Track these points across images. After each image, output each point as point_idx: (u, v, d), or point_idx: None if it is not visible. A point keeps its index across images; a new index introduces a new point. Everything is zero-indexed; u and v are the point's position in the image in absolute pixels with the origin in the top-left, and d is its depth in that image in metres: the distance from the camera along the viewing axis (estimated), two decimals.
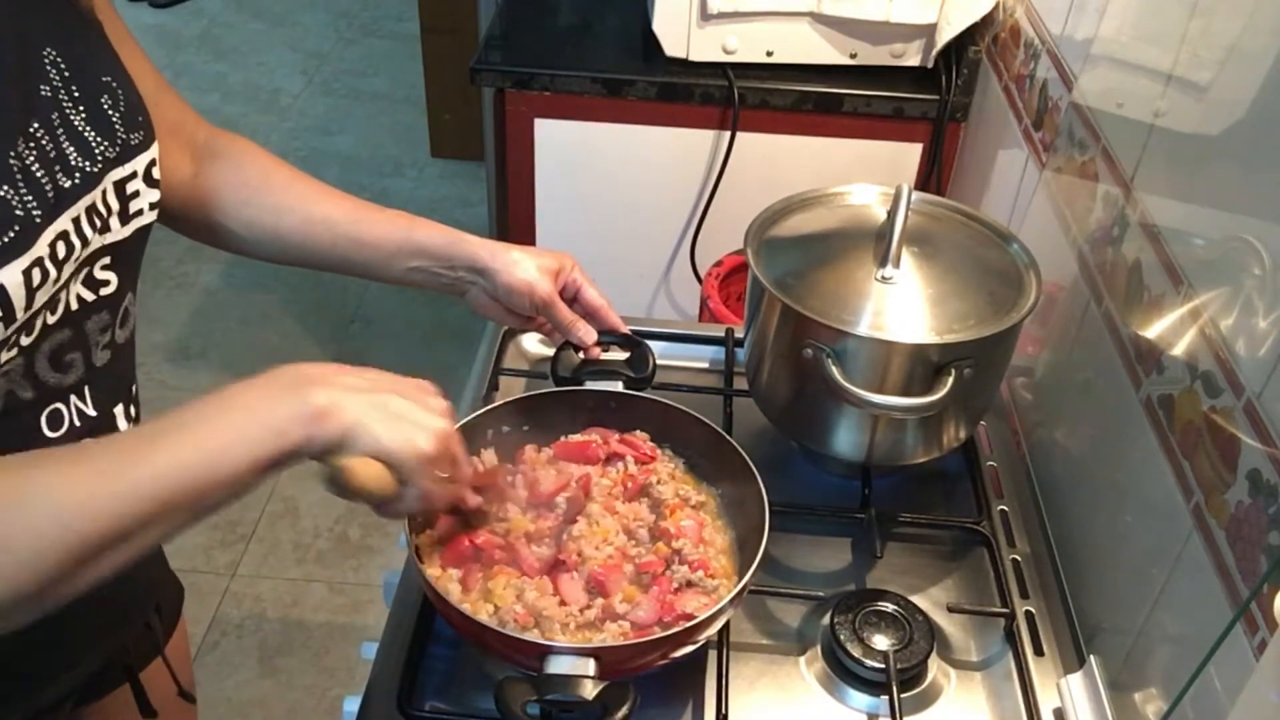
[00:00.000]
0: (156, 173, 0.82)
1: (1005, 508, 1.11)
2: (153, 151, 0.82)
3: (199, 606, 2.20)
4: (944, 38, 1.63)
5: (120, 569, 0.68)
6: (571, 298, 1.07)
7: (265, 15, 4.53)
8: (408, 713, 0.87)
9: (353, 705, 0.91)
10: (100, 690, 0.99)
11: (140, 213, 0.81)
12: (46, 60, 0.75)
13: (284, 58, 4.22)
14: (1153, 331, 0.95)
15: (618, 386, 1.07)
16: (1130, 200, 1.03)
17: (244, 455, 0.70)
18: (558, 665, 0.80)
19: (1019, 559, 1.05)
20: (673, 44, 1.70)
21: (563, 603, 0.88)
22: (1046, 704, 0.92)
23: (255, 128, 3.72)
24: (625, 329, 1.10)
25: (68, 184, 0.73)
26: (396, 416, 0.76)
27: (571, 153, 1.79)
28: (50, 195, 0.72)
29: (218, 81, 4.03)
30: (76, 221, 0.74)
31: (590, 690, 0.78)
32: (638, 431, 1.04)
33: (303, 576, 2.31)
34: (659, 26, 1.69)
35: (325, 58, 4.23)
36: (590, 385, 1.07)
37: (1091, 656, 0.93)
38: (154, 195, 0.82)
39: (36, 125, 0.72)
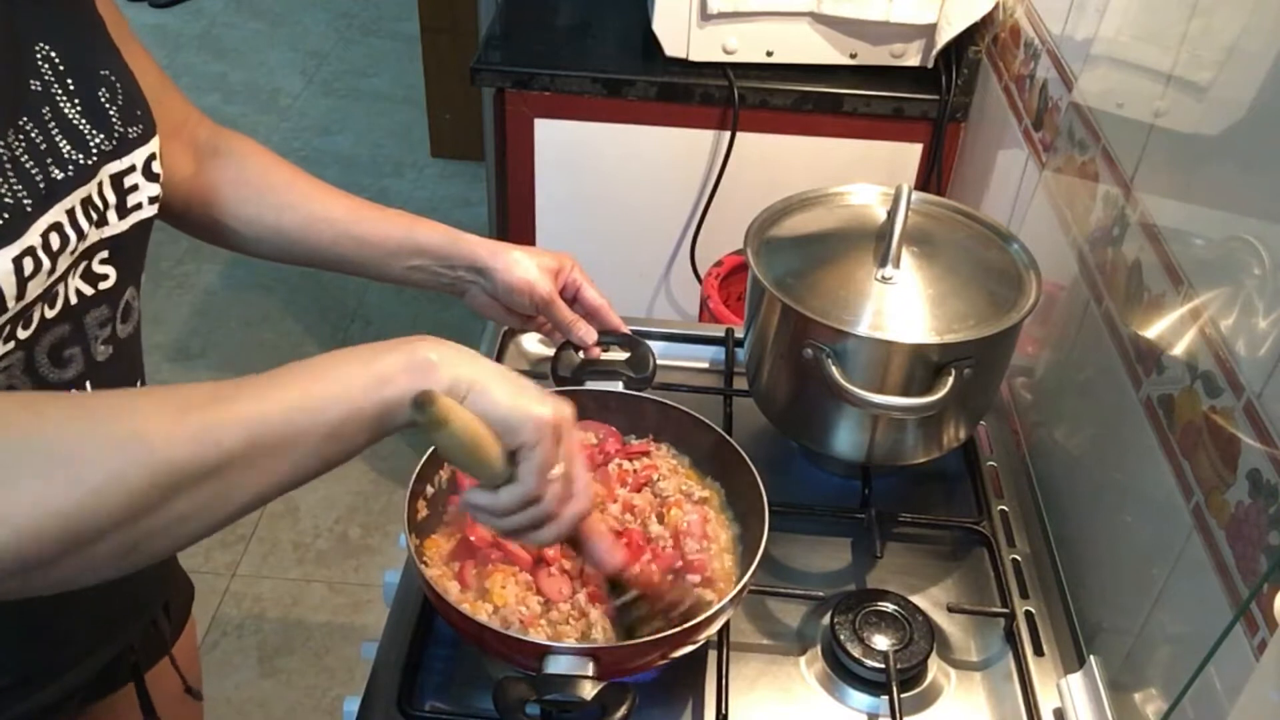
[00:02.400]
0: (156, 167, 0.82)
1: (1005, 508, 1.11)
2: (152, 145, 0.81)
3: (199, 606, 2.16)
4: (944, 38, 1.63)
5: (204, 520, 0.63)
6: (571, 297, 1.08)
7: (265, 15, 4.53)
8: (408, 713, 0.87)
9: (353, 705, 0.91)
10: (105, 689, 1.00)
11: (139, 206, 0.81)
12: (39, 55, 0.75)
13: (284, 58, 4.22)
14: (1153, 331, 0.95)
15: (618, 386, 1.07)
16: (1130, 200, 1.03)
17: (348, 401, 0.65)
18: (556, 665, 0.80)
19: (1019, 559, 1.05)
20: (673, 44, 1.69)
21: (548, 600, 0.89)
22: (1046, 704, 0.92)
23: (255, 128, 3.72)
24: (625, 329, 1.10)
25: (60, 176, 0.73)
26: (515, 382, 0.72)
27: (571, 153, 1.79)
28: (42, 186, 0.72)
29: (218, 81, 4.03)
30: (71, 213, 0.74)
31: (589, 690, 0.78)
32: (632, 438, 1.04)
33: (303, 576, 2.31)
34: (659, 26, 1.69)
35: (325, 58, 4.23)
36: (590, 385, 1.07)
37: (1091, 656, 0.93)
38: (154, 189, 0.82)
39: (25, 119, 0.72)
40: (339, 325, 2.93)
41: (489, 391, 0.69)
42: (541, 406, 0.71)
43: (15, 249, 0.69)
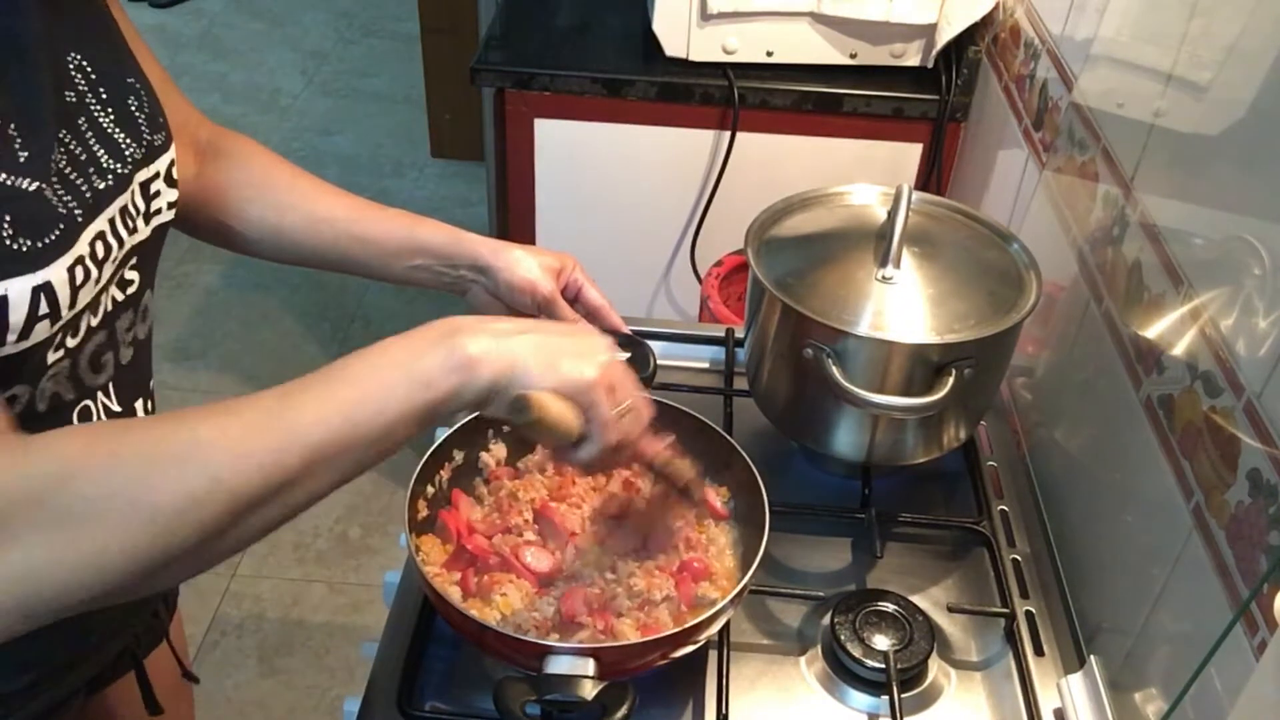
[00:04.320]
0: (175, 172, 0.83)
1: (1005, 508, 1.11)
2: (172, 152, 0.83)
3: (199, 606, 2.20)
4: (944, 38, 1.63)
5: (271, 528, 0.66)
6: (572, 297, 1.07)
7: (265, 15, 4.53)
8: (408, 713, 0.87)
9: (353, 705, 0.91)
10: (108, 679, 1.00)
11: (159, 212, 0.82)
12: (71, 65, 0.75)
13: (284, 58, 4.22)
14: (1153, 331, 0.95)
15: None
16: (1130, 200, 1.03)
17: (393, 408, 0.67)
18: (557, 665, 0.80)
19: (1019, 559, 1.05)
20: (673, 44, 1.70)
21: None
22: (1046, 704, 0.92)
23: (255, 128, 3.72)
24: (626, 329, 1.10)
25: (102, 185, 0.75)
26: (554, 352, 0.74)
27: (571, 153, 1.79)
28: (88, 196, 0.73)
29: (218, 81, 4.03)
30: (112, 222, 0.75)
31: (589, 690, 0.78)
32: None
33: (303, 576, 2.31)
34: (659, 26, 1.69)
35: (325, 58, 4.23)
36: None
37: (1091, 656, 0.93)
38: (173, 195, 0.83)
39: (65, 131, 0.73)
40: (339, 325, 2.93)
41: (531, 374, 0.72)
42: (583, 369, 0.74)
43: (69, 258, 0.70)
